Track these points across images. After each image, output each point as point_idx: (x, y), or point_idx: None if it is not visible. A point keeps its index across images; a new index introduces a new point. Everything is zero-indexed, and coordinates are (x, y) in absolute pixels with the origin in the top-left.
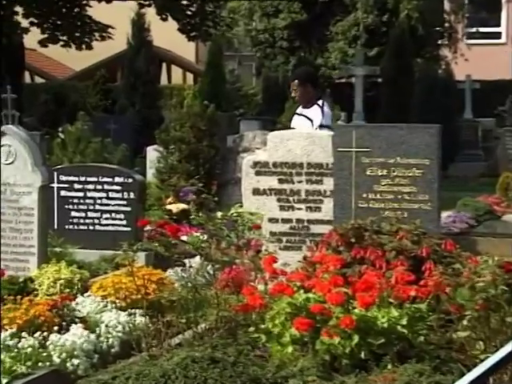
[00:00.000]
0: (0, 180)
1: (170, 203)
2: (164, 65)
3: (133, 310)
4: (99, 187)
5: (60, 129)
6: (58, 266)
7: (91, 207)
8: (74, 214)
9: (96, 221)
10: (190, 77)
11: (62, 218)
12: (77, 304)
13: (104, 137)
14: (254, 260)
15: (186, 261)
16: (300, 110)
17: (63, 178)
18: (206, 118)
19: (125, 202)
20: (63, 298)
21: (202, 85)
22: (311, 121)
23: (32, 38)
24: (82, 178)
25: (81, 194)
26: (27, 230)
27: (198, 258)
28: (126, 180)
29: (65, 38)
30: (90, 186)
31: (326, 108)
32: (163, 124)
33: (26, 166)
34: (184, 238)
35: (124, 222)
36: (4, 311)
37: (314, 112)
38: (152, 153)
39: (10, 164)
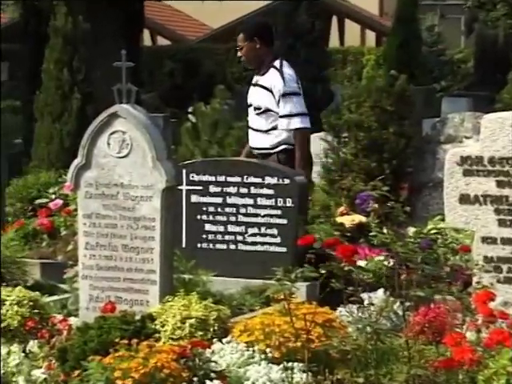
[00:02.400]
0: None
1: (342, 214)
2: (335, 20)
3: (290, 364)
4: (244, 191)
5: (190, 109)
6: (187, 300)
7: (232, 218)
8: (208, 227)
9: (239, 237)
10: (371, 36)
11: (193, 233)
12: (213, 353)
13: None
14: (462, 296)
15: (365, 295)
16: (255, 78)
17: (194, 177)
18: (393, 94)
19: (279, 212)
20: (194, 343)
21: (388, 48)
22: (270, 91)
23: None
24: (221, 178)
25: (219, 200)
26: (146, 249)
27: (381, 292)
28: (280, 181)
29: None
30: (232, 189)
31: (286, 69)
32: (333, 103)
33: (145, 161)
34: (361, 263)
35: (278, 240)
36: (115, 360)
37: (271, 78)
38: (317, 143)
39: (123, 158)
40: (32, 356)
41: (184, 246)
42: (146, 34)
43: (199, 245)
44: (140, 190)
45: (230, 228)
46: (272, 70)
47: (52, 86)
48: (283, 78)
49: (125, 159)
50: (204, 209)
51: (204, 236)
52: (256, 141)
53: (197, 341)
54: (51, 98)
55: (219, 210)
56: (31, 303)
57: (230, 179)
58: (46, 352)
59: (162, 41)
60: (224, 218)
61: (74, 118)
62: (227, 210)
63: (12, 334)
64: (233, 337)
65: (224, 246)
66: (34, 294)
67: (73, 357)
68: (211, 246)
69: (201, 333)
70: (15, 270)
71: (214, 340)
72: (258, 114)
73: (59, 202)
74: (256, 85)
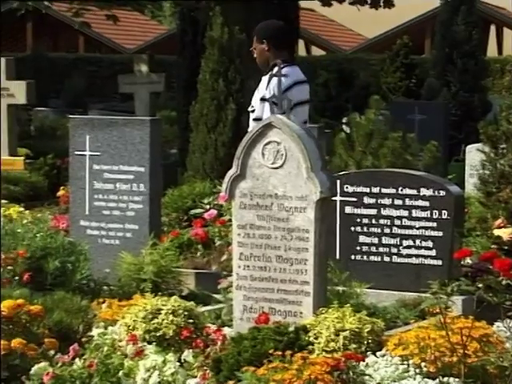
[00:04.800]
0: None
1: (500, 227)
2: (493, 29)
3: (445, 379)
4: (398, 202)
5: (344, 119)
6: (340, 312)
7: (387, 230)
8: (362, 239)
9: (393, 249)
10: None
11: (347, 245)
12: (367, 366)
13: (406, 131)
14: None
15: None
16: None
17: (349, 188)
18: None
19: (434, 224)
20: (348, 356)
21: None
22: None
23: None
24: (375, 189)
25: (373, 212)
26: (300, 261)
27: None
28: (436, 193)
29: None
30: (386, 201)
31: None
32: (490, 113)
33: (299, 172)
34: None
35: (433, 253)
36: (269, 371)
37: (263, 80)
38: (474, 154)
39: (278, 168)
40: (187, 365)
41: (338, 257)
42: (301, 44)
43: (353, 256)
44: (294, 201)
45: (385, 240)
46: (266, 75)
47: (207, 97)
48: (268, 84)
49: (279, 170)
50: (358, 220)
51: (358, 248)
52: None
53: (351, 353)
54: (207, 108)
55: (373, 221)
56: (186, 313)
57: (384, 190)
58: (200, 362)
59: (316, 51)
60: (378, 230)
61: (228, 128)
62: (381, 221)
63: (167, 343)
64: (387, 350)
65: (378, 258)
66: (188, 304)
67: (227, 367)
68: (365, 257)
69: (354, 345)
70: (170, 279)
71: (368, 353)
72: (251, 111)
73: (214, 212)
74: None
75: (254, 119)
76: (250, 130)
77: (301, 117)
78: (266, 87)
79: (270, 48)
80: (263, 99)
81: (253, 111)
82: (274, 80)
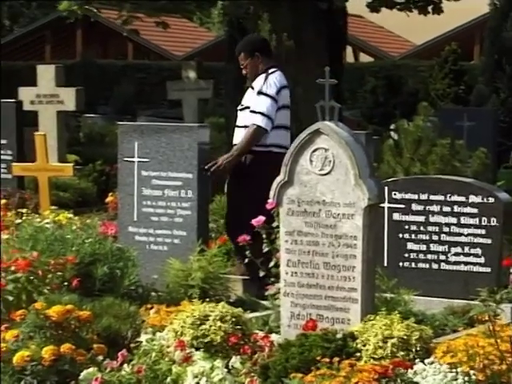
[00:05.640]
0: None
1: None
2: None
3: None
4: (447, 209)
5: (393, 126)
6: (388, 319)
7: (435, 237)
8: (410, 246)
9: (442, 257)
10: None
11: (395, 252)
12: (415, 373)
13: (454, 138)
14: None
15: None
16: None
17: (397, 195)
18: None
19: (483, 232)
20: (396, 363)
21: None
22: (253, 90)
23: (357, 1)
24: (423, 196)
25: (421, 219)
26: (347, 267)
27: None
28: (485, 200)
29: None
30: (434, 208)
31: (274, 75)
32: None
33: (347, 178)
34: None
35: (481, 260)
36: (317, 378)
37: (258, 79)
38: None
39: (326, 175)
40: (234, 372)
41: (385, 264)
42: (349, 50)
43: (401, 263)
44: (342, 207)
45: (433, 247)
46: (263, 74)
47: None
48: (266, 80)
49: (327, 176)
50: (406, 227)
51: (406, 255)
52: (235, 137)
53: (399, 361)
54: None
55: (421, 228)
56: (234, 319)
57: (432, 197)
58: (248, 368)
59: (364, 57)
60: (426, 237)
61: None
62: (430, 228)
63: (215, 349)
64: (435, 358)
65: (426, 266)
66: (236, 310)
67: (275, 374)
68: (413, 264)
69: (402, 353)
70: (218, 285)
71: (417, 360)
72: (240, 109)
73: (261, 218)
74: (248, 88)
75: (251, 111)
76: (239, 124)
77: (283, 120)
78: (263, 82)
79: (262, 59)
80: (260, 92)
81: (242, 109)
82: (272, 77)
